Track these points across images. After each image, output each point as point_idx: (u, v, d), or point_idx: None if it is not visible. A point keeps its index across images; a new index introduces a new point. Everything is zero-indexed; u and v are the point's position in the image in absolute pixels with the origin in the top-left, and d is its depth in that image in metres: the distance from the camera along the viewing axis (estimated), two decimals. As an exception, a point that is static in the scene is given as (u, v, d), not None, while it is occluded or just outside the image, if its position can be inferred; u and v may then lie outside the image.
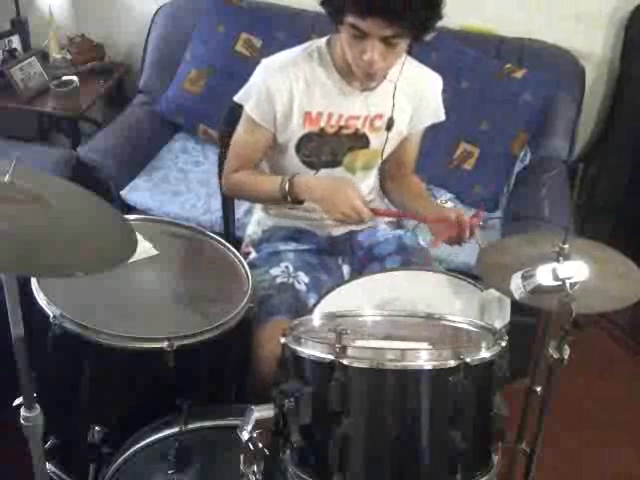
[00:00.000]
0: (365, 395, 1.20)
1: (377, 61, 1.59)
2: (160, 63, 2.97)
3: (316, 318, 1.36)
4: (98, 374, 1.56)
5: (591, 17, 2.76)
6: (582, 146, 2.97)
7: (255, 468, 1.20)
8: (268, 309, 1.75)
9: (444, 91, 1.87)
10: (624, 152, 2.86)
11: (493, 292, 1.53)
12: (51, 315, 1.49)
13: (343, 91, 1.75)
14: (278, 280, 1.82)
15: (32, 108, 2.92)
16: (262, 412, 1.20)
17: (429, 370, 1.17)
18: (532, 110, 2.63)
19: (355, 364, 1.16)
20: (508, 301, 1.52)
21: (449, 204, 2.61)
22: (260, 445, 1.18)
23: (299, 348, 1.22)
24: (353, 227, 1.93)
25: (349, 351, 1.16)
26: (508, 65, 2.68)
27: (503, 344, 1.24)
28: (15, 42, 3.05)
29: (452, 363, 1.17)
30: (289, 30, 2.76)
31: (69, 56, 3.10)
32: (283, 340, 1.26)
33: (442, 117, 1.89)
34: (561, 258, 1.34)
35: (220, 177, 1.98)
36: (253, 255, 1.95)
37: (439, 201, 2.60)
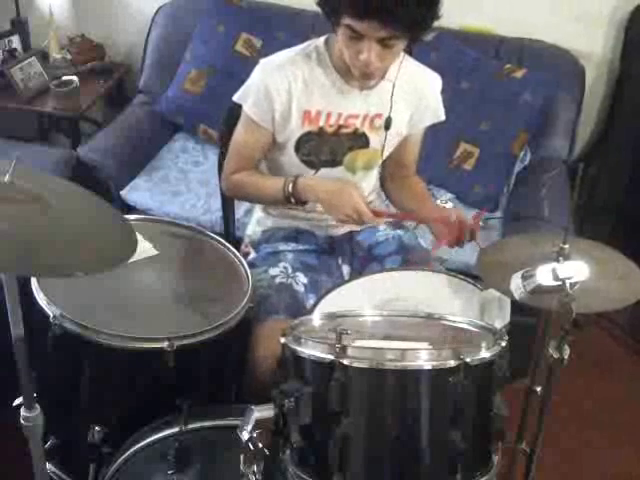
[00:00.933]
0: (365, 395, 1.20)
1: (373, 62, 1.59)
2: (160, 63, 2.97)
3: (316, 318, 1.36)
4: (98, 374, 1.56)
5: (591, 17, 2.76)
6: (582, 146, 2.97)
7: (255, 468, 1.20)
8: (266, 308, 1.75)
9: (444, 91, 1.87)
10: (624, 152, 2.86)
11: (493, 292, 1.53)
12: (51, 315, 1.49)
13: (342, 90, 1.75)
14: (277, 280, 1.82)
15: (32, 108, 2.92)
16: (262, 412, 1.20)
17: (429, 370, 1.17)
18: (532, 110, 2.63)
19: (355, 364, 1.16)
20: (508, 301, 1.52)
21: (449, 204, 2.61)
22: (260, 445, 1.18)
23: (299, 348, 1.22)
24: (353, 227, 1.93)
25: (349, 351, 1.16)
26: (508, 65, 2.68)
27: (503, 344, 1.24)
28: (15, 42, 3.05)
29: (452, 363, 1.17)
30: (289, 30, 2.76)
31: (69, 56, 3.10)
32: (283, 340, 1.26)
33: (442, 117, 1.89)
34: (561, 258, 1.33)
35: (220, 177, 1.98)
36: (252, 255, 1.95)
37: (439, 201, 2.60)
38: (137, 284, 1.63)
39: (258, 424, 1.19)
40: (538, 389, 1.51)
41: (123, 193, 2.61)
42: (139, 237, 1.46)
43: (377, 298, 1.59)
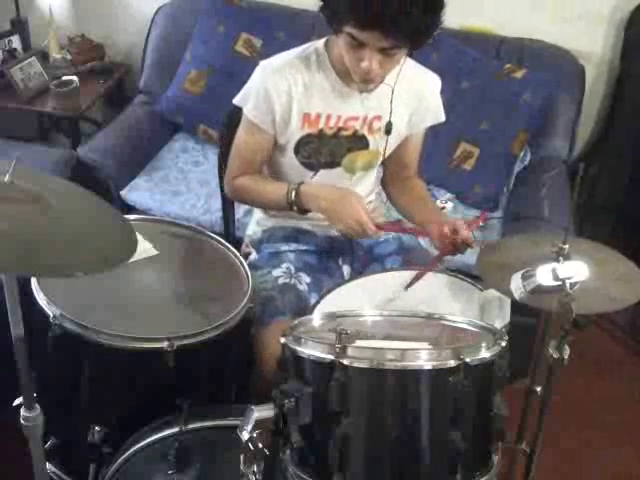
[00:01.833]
0: (365, 395, 1.20)
1: (374, 70, 1.59)
2: (160, 63, 2.97)
3: (316, 318, 1.36)
4: (98, 374, 1.56)
5: (591, 17, 2.76)
6: (582, 146, 2.97)
7: (255, 468, 1.20)
8: (271, 310, 1.75)
9: (444, 91, 1.86)
10: (624, 152, 2.86)
11: (493, 292, 1.53)
12: (51, 315, 1.49)
13: (341, 92, 1.75)
14: (280, 281, 1.82)
15: (32, 108, 2.93)
16: (262, 412, 1.20)
17: (429, 370, 1.17)
18: (532, 110, 2.63)
19: (355, 364, 1.16)
20: (508, 301, 1.52)
21: (449, 204, 2.61)
22: (260, 445, 1.18)
23: (299, 348, 1.22)
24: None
25: (349, 351, 1.16)
26: (508, 65, 2.68)
27: (503, 344, 1.24)
28: (15, 42, 3.05)
29: (452, 363, 1.17)
30: (289, 30, 2.76)
31: (69, 56, 3.10)
32: (283, 340, 1.26)
33: (442, 118, 1.88)
34: (561, 258, 1.33)
35: (220, 177, 1.98)
36: (254, 256, 1.95)
37: (439, 201, 2.60)
38: (137, 284, 1.63)
39: (258, 424, 1.19)
40: (538, 389, 1.51)
41: (123, 193, 2.61)
42: (139, 237, 1.45)
43: (377, 298, 1.59)
